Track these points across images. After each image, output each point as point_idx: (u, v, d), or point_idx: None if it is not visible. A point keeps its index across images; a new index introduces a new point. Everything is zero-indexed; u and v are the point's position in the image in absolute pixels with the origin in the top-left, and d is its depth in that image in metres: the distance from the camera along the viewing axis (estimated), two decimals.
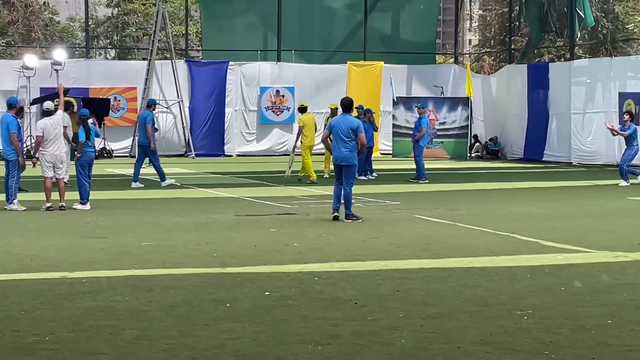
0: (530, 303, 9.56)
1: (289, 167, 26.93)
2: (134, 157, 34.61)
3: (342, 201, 16.78)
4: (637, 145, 25.66)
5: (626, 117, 26.07)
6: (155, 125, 22.50)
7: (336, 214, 16.58)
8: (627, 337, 8.09)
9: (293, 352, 7.50)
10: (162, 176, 22.80)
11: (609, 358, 7.35)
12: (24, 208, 18.39)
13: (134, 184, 22.49)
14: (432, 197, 22.03)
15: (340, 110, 17.75)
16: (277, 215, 18.00)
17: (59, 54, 38.34)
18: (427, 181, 26.36)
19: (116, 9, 65.38)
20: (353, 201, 17.80)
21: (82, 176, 18.85)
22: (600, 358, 7.35)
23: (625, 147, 25.62)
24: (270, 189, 24.18)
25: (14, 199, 18.61)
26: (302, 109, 28.88)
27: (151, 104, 22.01)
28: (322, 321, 8.65)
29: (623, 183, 25.52)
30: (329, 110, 27.75)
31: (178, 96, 38.22)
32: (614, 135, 27.25)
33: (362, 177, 27.28)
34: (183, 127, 38.50)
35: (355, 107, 29.99)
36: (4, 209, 18.45)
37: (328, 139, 17.00)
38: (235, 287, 10.42)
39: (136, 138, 34.94)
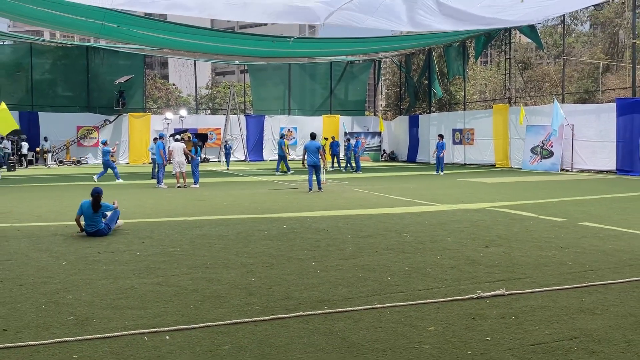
0: (410, 229, 9.57)
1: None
2: (220, 161, 34.52)
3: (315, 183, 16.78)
4: (442, 153, 24.80)
5: (438, 138, 25.72)
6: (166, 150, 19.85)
7: (311, 190, 16.46)
8: (457, 245, 8.14)
9: (297, 254, 7.57)
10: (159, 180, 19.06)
11: (446, 255, 7.40)
12: (167, 187, 18.27)
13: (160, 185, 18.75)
14: (363, 180, 21.96)
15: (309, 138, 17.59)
16: (288, 189, 17.96)
17: (183, 111, 38.13)
18: (361, 172, 26.29)
19: (210, 90, 65.14)
20: (324, 182, 17.82)
21: (194, 171, 18.78)
22: (443, 255, 7.40)
23: (437, 153, 24.99)
24: (284, 176, 24.06)
25: (161, 182, 18.56)
26: (281, 136, 29.25)
27: (161, 136, 20.29)
28: (311, 239, 8.69)
29: (438, 172, 24.70)
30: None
31: (240, 132, 37.97)
32: (434, 154, 25.79)
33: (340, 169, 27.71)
34: (243, 147, 38.27)
35: (332, 137, 30.80)
36: (156, 187, 18.36)
37: (304, 155, 16.97)
38: (268, 223, 10.41)
39: (221, 152, 34.91)
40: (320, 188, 16.71)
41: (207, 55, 38.16)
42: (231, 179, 22.69)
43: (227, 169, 29.19)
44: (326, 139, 31.38)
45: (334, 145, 29.79)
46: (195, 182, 18.66)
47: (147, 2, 20.60)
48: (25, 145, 31.04)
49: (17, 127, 13.68)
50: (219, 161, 34.84)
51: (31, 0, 20.00)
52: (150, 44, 32.32)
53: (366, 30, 25.29)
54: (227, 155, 30.65)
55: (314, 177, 16.76)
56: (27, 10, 22.30)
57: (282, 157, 25.72)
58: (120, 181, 20.52)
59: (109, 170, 20.98)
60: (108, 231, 9.16)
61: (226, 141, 34.02)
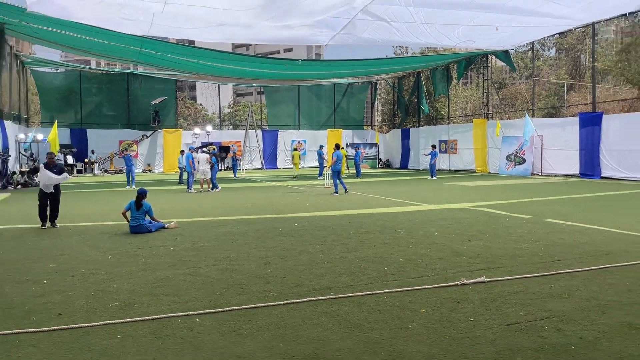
0: (403, 226, 9.54)
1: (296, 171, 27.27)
2: (240, 169, 34.51)
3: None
4: (433, 160, 25.07)
5: (431, 148, 25.66)
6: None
7: (339, 193, 16.60)
8: (444, 239, 8.11)
9: (307, 248, 7.58)
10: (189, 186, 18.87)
11: (434, 248, 7.37)
12: (195, 192, 18.28)
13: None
14: (363, 184, 21.85)
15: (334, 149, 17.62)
16: (299, 192, 17.92)
17: (209, 127, 38.11)
18: (361, 177, 26.20)
19: (232, 109, 65.25)
20: (328, 186, 17.80)
21: (214, 177, 18.77)
22: (431, 248, 7.38)
23: (429, 161, 25.24)
24: (295, 182, 24.03)
25: (190, 188, 18.55)
26: (295, 149, 28.95)
27: (191, 149, 19.83)
28: (319, 235, 8.68)
29: (432, 177, 24.78)
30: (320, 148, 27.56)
31: (258, 144, 38.00)
32: (425, 156, 26.10)
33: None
34: (260, 157, 38.25)
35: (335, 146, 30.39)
36: (186, 192, 18.35)
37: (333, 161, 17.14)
38: (283, 222, 10.39)
39: (238, 163, 34.83)
40: (337, 192, 16.78)
41: (229, 79, 38.25)
42: (250, 185, 22.71)
43: (234, 177, 28.24)
44: (344, 148, 31.03)
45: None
46: (217, 187, 18.63)
47: (177, 28, 20.72)
48: (69, 158, 31.14)
49: (57, 148, 13.52)
50: (240, 169, 34.87)
51: (80, 31, 20.14)
52: (181, 68, 32.45)
53: (364, 53, 25.31)
54: (234, 165, 30.05)
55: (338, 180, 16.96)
56: (76, 41, 22.51)
57: (322, 164, 25.81)
58: (131, 187, 20.31)
59: (136, 177, 20.95)
60: (149, 230, 9.20)
61: (234, 152, 33.77)
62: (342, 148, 30.81)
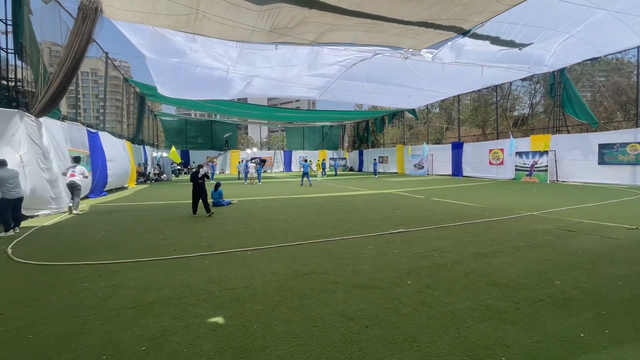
0: (359, 202, 9.28)
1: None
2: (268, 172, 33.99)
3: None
4: (375, 167, 24.52)
5: (374, 160, 24.38)
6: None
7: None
8: (381, 208, 7.99)
9: (308, 214, 7.37)
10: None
11: (376, 213, 7.23)
12: (247, 184, 17.86)
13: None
14: (339, 180, 21.64)
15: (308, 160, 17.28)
16: (304, 186, 17.69)
17: (255, 149, 37.59)
18: (337, 176, 25.82)
19: (267, 138, 64.27)
20: (318, 180, 17.52)
21: (259, 175, 18.46)
22: (375, 213, 7.23)
23: (373, 167, 23.53)
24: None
25: (245, 182, 18.14)
26: (305, 161, 27.85)
27: (246, 160, 18.30)
28: (314, 207, 8.45)
29: (375, 176, 23.35)
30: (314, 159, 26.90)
31: (282, 158, 37.56)
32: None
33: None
34: (283, 164, 37.84)
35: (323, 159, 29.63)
36: (243, 184, 17.94)
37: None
38: (294, 200, 10.11)
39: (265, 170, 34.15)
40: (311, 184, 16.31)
41: (265, 122, 37.79)
42: (277, 180, 22.48)
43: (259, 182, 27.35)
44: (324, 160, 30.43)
45: (323, 163, 29.06)
46: (259, 182, 18.35)
47: (233, 93, 20.28)
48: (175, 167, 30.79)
49: (179, 161, 13.30)
50: (270, 171, 34.35)
51: (184, 100, 20.00)
52: (240, 116, 32.16)
53: (338, 107, 24.90)
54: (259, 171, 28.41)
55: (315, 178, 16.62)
56: (182, 104, 22.28)
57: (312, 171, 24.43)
58: (212, 181, 19.79)
59: (215, 175, 20.54)
60: (222, 204, 9.00)
61: (262, 161, 32.83)
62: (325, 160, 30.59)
